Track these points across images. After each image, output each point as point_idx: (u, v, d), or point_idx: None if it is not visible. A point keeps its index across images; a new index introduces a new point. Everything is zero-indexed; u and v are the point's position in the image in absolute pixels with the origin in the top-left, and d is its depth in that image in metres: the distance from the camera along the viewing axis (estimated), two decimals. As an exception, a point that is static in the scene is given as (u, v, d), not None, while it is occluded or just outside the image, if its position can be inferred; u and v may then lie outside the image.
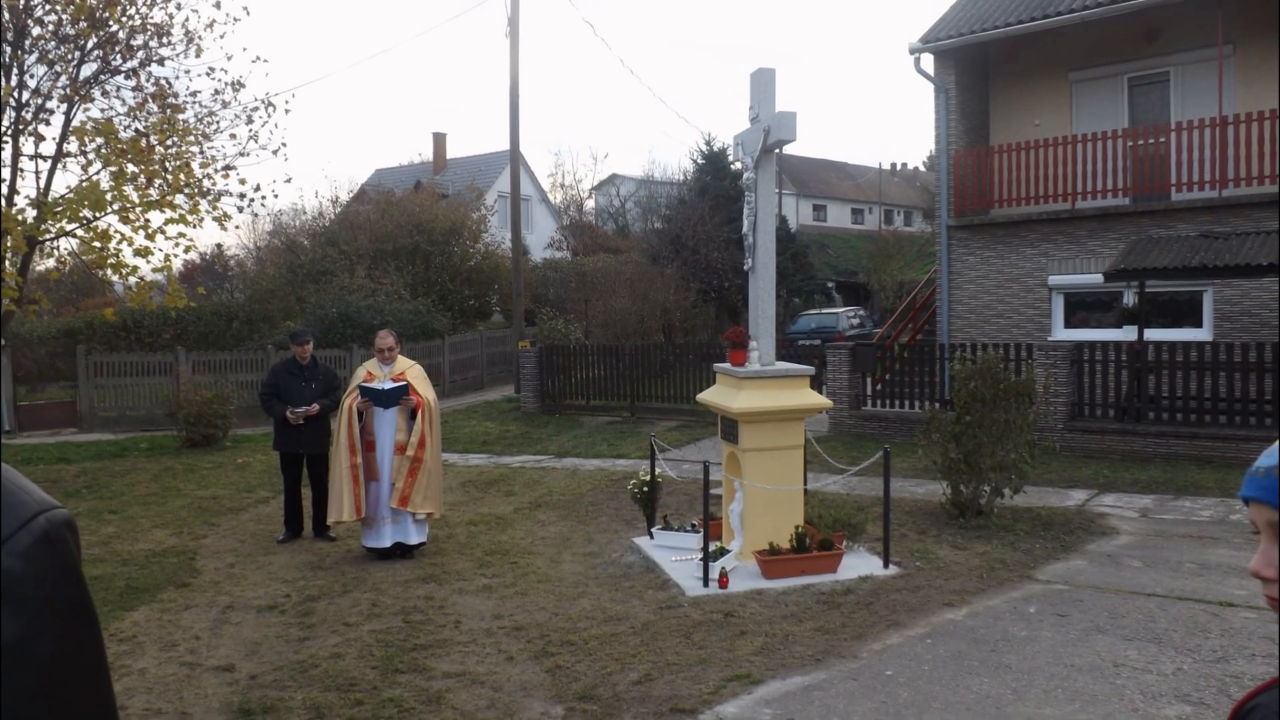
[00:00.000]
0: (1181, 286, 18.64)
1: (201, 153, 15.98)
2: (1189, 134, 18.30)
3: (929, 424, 11.74)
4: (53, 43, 14.86)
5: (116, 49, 15.32)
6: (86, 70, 15.42)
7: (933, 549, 10.17)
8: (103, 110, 15.72)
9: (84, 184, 14.61)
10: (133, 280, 15.40)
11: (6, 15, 14.33)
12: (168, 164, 15.11)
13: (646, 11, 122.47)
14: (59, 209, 14.13)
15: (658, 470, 11.40)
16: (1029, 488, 11.73)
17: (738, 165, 11.31)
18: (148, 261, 15.19)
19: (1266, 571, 1.58)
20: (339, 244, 34.17)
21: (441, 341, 28.00)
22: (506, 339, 30.66)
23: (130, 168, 14.61)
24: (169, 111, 15.56)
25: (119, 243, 14.82)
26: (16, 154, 14.88)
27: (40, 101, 14.96)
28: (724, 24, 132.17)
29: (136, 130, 15.32)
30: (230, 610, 8.86)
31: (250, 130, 16.54)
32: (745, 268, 10.21)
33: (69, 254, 16.44)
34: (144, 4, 15.33)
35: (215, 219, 15.89)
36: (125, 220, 14.73)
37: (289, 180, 34.30)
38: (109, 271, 15.34)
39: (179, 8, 15.84)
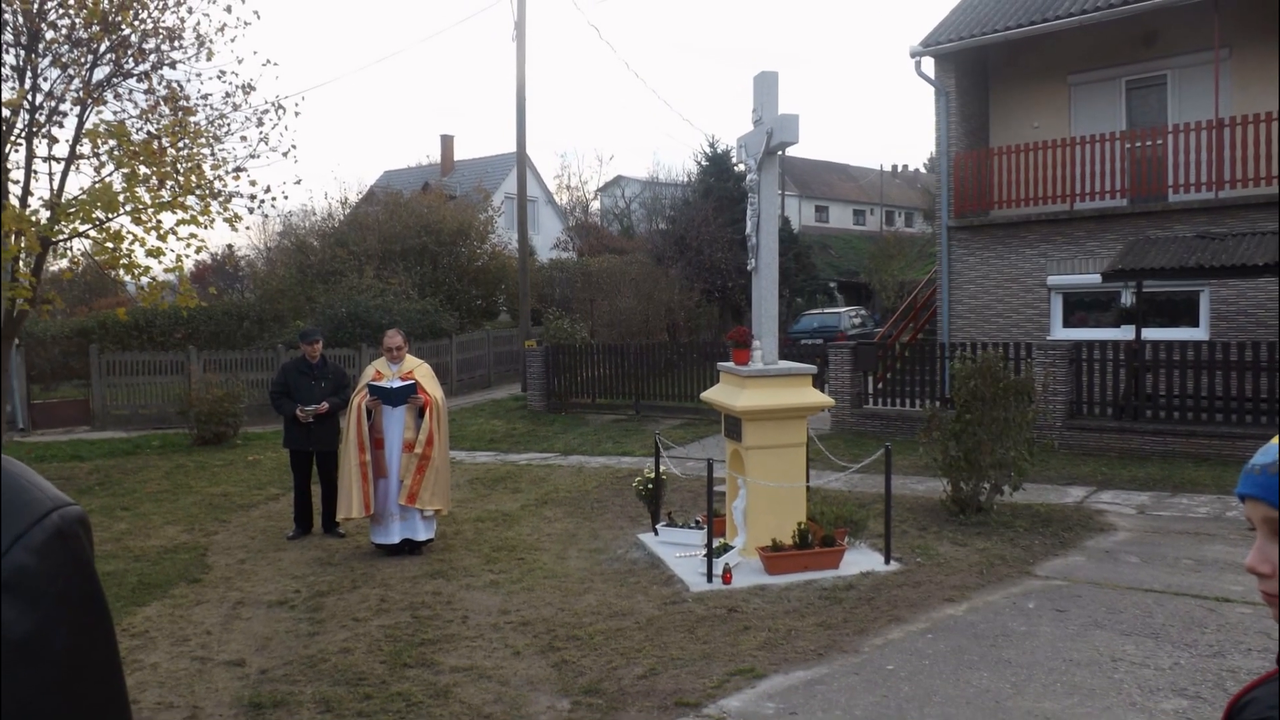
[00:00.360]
0: (1178, 286, 18.61)
1: (213, 155, 15.98)
2: (1186, 136, 18.29)
3: (929, 422, 11.73)
4: (66, 46, 14.86)
5: (129, 52, 15.32)
6: (99, 73, 15.42)
7: (933, 545, 10.17)
8: (115, 113, 15.74)
9: (97, 185, 14.60)
10: (145, 280, 15.39)
11: (20, 19, 14.35)
12: (179, 166, 15.11)
13: (651, 15, 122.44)
14: (72, 210, 14.13)
15: (662, 468, 11.40)
16: (1028, 485, 11.72)
17: (741, 167, 11.31)
18: (159, 262, 15.19)
19: (1262, 567, 1.58)
20: (348, 244, 34.17)
21: (449, 341, 28.01)
22: (513, 338, 30.67)
23: (142, 169, 14.61)
24: (180, 114, 15.56)
25: (131, 243, 14.81)
26: (30, 156, 14.90)
27: (53, 104, 14.97)
28: (727, 27, 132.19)
29: (148, 133, 15.32)
30: (241, 606, 8.88)
31: (261, 132, 16.53)
32: (748, 268, 10.22)
33: (82, 254, 16.44)
34: (156, 8, 15.34)
35: (226, 220, 15.88)
36: (137, 221, 14.73)
37: (299, 182, 34.38)
38: (121, 272, 15.32)
39: (190, 12, 15.85)
